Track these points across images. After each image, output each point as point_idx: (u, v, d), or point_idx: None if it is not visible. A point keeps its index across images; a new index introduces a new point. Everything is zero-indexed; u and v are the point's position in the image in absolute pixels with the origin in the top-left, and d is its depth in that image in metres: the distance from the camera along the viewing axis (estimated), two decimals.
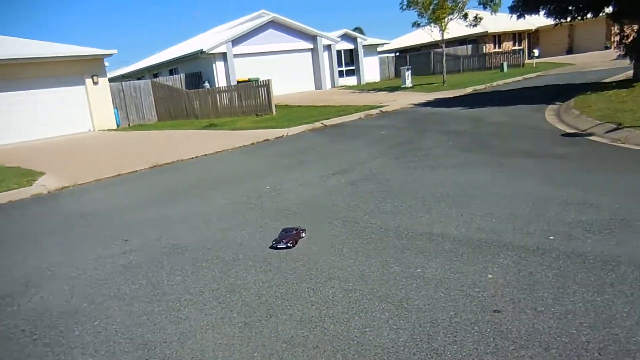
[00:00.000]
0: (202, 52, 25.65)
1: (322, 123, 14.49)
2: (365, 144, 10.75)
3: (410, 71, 27.63)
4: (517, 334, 2.98)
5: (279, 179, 8.08)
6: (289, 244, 4.88)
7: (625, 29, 16.46)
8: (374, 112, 16.25)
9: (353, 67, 34.39)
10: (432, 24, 25.51)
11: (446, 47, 27.37)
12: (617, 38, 16.95)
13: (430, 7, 24.72)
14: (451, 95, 19.94)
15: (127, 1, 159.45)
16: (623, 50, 16.46)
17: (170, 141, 15.12)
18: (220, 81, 26.21)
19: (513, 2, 17.57)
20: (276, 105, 19.30)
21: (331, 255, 4.57)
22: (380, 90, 26.46)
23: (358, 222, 5.44)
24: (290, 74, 29.34)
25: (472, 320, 3.19)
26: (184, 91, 22.87)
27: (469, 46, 40.05)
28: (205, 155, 11.54)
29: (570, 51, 43.35)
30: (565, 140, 8.97)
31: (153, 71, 32.33)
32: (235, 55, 27.04)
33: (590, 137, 8.86)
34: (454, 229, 4.90)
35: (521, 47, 41.26)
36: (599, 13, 17.23)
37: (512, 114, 12.87)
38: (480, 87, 22.17)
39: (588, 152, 7.81)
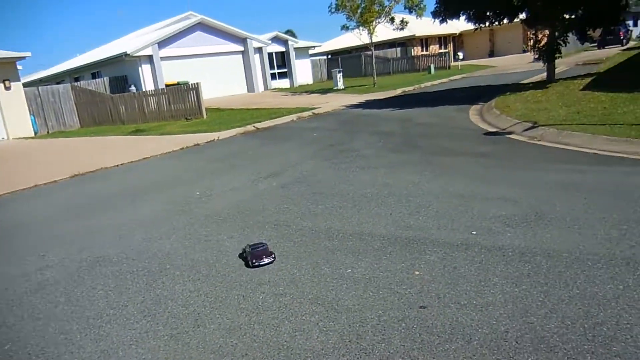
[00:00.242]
0: (126, 54, 24.61)
1: (254, 126, 14.34)
2: (297, 146, 10.75)
3: (341, 73, 28.04)
4: (441, 328, 3.06)
5: (209, 184, 7.88)
6: (272, 258, 4.44)
7: (538, 34, 17.62)
8: (306, 114, 16.31)
9: (285, 70, 34.39)
10: (361, 27, 26.04)
11: (376, 49, 28.06)
12: (532, 42, 18.09)
13: (358, 11, 25.23)
14: (382, 97, 20.43)
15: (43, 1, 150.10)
16: (537, 54, 17.60)
17: (93, 148, 14.35)
18: (148, 85, 25.27)
19: (435, 7, 18.28)
20: (207, 109, 18.89)
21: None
22: (312, 92, 26.64)
23: (289, 225, 5.40)
24: (221, 77, 28.83)
25: (399, 317, 3.25)
26: (108, 95, 21.82)
27: (398, 49, 41.33)
28: (131, 162, 11.04)
29: (492, 54, 45.91)
30: (487, 139, 9.42)
31: (74, 75, 30.58)
32: (163, 58, 26.18)
33: (510, 136, 9.36)
34: (383, 228, 4.99)
35: (447, 50, 43.16)
36: (514, 18, 18.34)
37: (439, 114, 13.37)
38: (409, 89, 22.88)
39: (508, 150, 8.24)
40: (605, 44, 35.64)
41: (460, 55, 38.13)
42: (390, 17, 25.90)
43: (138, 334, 3.46)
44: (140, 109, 19.84)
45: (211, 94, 26.51)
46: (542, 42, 17.06)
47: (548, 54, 16.65)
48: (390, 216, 5.32)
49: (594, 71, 18.39)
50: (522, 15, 18.08)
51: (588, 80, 15.11)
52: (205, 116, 18.01)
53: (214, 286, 4.08)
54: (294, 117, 15.81)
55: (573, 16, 16.73)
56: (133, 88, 24.42)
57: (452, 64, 36.05)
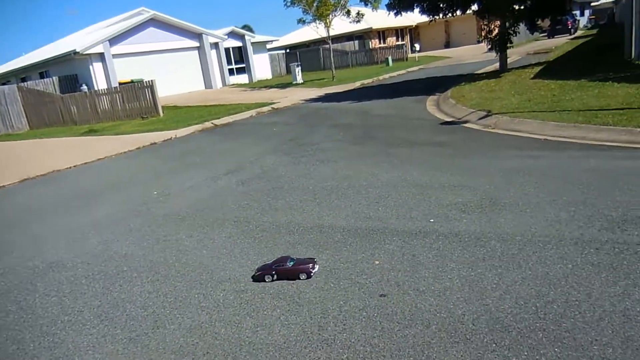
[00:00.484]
0: (75, 52, 23.67)
1: (212, 123, 14.13)
2: (257, 141, 10.66)
3: (300, 67, 27.95)
4: (401, 315, 3.11)
5: (167, 183, 7.72)
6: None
7: (490, 25, 18.07)
8: (265, 109, 16.20)
9: (243, 65, 33.98)
10: (317, 21, 26.00)
11: (334, 43, 28.11)
12: (485, 33, 18.54)
13: (314, 4, 25.16)
14: (341, 90, 20.50)
15: None
16: (490, 44, 18.05)
17: (43, 150, 13.78)
18: (100, 84, 24.43)
19: None
20: (163, 107, 18.46)
21: (222, 258, 4.45)
22: (271, 87, 26.47)
23: (249, 221, 5.36)
24: (177, 74, 28.21)
25: (360, 307, 3.28)
26: (58, 96, 20.98)
27: (356, 42, 41.51)
28: (85, 163, 10.68)
29: (447, 45, 46.78)
30: (444, 128, 9.61)
31: (21, 75, 29.22)
32: (115, 56, 25.36)
33: (466, 125, 9.58)
34: (343, 220, 5.01)
35: (404, 42, 43.71)
36: (467, 10, 18.74)
37: (397, 105, 13.54)
38: (367, 81, 23.06)
39: (463, 139, 8.43)
40: (555, 34, 36.90)
41: (417, 47, 38.69)
42: (346, 10, 25.97)
43: (95, 339, 3.36)
44: (93, 109, 19.18)
45: (168, 91, 25.91)
46: (494, 33, 17.52)
47: (500, 44, 17.11)
48: (350, 208, 5.35)
49: (544, 60, 19.03)
50: (475, 7, 18.48)
51: (538, 69, 15.64)
52: (161, 114, 17.61)
53: (174, 286, 4.01)
54: (253, 112, 15.67)
55: (522, 7, 17.23)
56: (85, 87, 23.56)
57: (410, 55, 36.54)
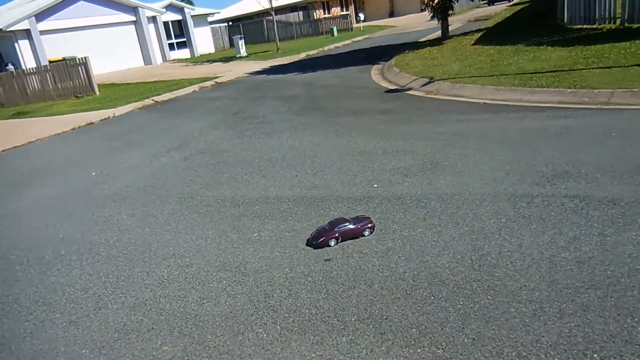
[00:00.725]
0: None
1: (153, 99, 13.62)
2: (200, 116, 10.39)
3: (243, 40, 27.29)
4: (345, 277, 3.17)
5: (106, 164, 7.41)
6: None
7: None
8: (208, 83, 15.76)
9: (184, 39, 32.79)
10: None
11: (278, 14, 27.56)
12: (427, 1, 18.67)
13: None
14: (285, 62, 20.22)
15: None
16: (432, 12, 18.23)
17: None
18: (28, 62, 22.91)
19: None
20: (100, 85, 17.58)
21: (166, 234, 4.35)
22: (215, 61, 25.74)
23: (194, 196, 5.25)
24: (113, 50, 26.87)
25: (305, 272, 3.31)
26: None
27: (300, 13, 40.85)
28: (14, 147, 10.05)
29: (392, 14, 46.97)
30: (388, 96, 9.70)
31: None
32: (43, 32, 23.80)
33: (409, 92, 9.71)
34: (289, 190, 5.01)
35: (348, 12, 43.38)
36: None
37: (342, 75, 13.53)
38: (313, 52, 22.85)
39: (407, 106, 8.55)
40: (495, 1, 37.80)
41: (362, 16, 38.59)
42: None
43: (32, 325, 3.23)
44: (21, 90, 17.97)
45: (104, 68, 24.72)
46: (436, 1, 17.69)
47: (442, 12, 17.32)
48: (295, 178, 5.35)
49: (484, 27, 19.47)
50: None
51: (478, 35, 16.00)
52: (98, 93, 16.77)
53: (115, 266, 3.89)
54: (195, 87, 15.22)
55: None
56: (11, 67, 22.04)
57: (355, 25, 36.44)
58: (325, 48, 24.31)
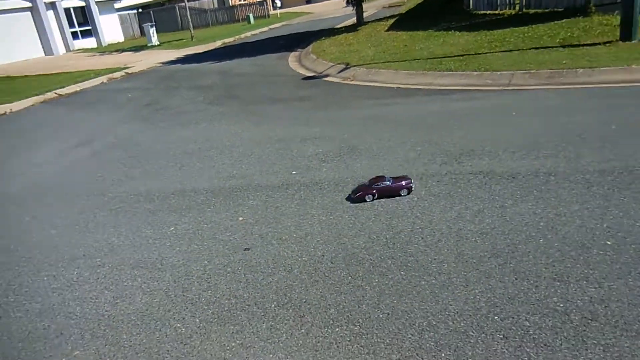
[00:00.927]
0: None
1: (56, 93, 12.67)
2: (110, 109, 9.84)
3: (155, 28, 26.05)
4: (265, 265, 3.16)
5: (4, 165, 6.82)
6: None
7: None
8: (118, 74, 14.93)
9: (89, 27, 30.70)
10: None
11: (191, 1, 26.55)
12: None
13: None
14: (200, 51, 19.62)
15: None
16: None
17: None
18: None
19: None
20: None
21: (74, 235, 4.10)
22: (124, 50, 24.39)
23: (104, 193, 4.98)
24: (6, 40, 24.54)
25: (224, 263, 3.27)
26: None
27: None
28: None
29: (309, 1, 46.98)
30: (305, 83, 9.73)
31: None
32: None
33: (326, 78, 9.80)
34: (206, 181, 4.90)
35: None
36: None
37: (259, 63, 13.37)
38: (229, 40, 22.34)
39: (324, 92, 8.63)
40: None
41: (279, 3, 38.24)
42: None
43: None
44: None
45: None
46: None
47: None
48: (213, 169, 5.24)
49: (397, 13, 20.06)
50: None
51: (392, 21, 16.45)
52: None
53: (17, 273, 3.61)
54: (103, 78, 14.36)
55: None
56: None
57: (271, 12, 36.09)
58: (242, 36, 23.88)
